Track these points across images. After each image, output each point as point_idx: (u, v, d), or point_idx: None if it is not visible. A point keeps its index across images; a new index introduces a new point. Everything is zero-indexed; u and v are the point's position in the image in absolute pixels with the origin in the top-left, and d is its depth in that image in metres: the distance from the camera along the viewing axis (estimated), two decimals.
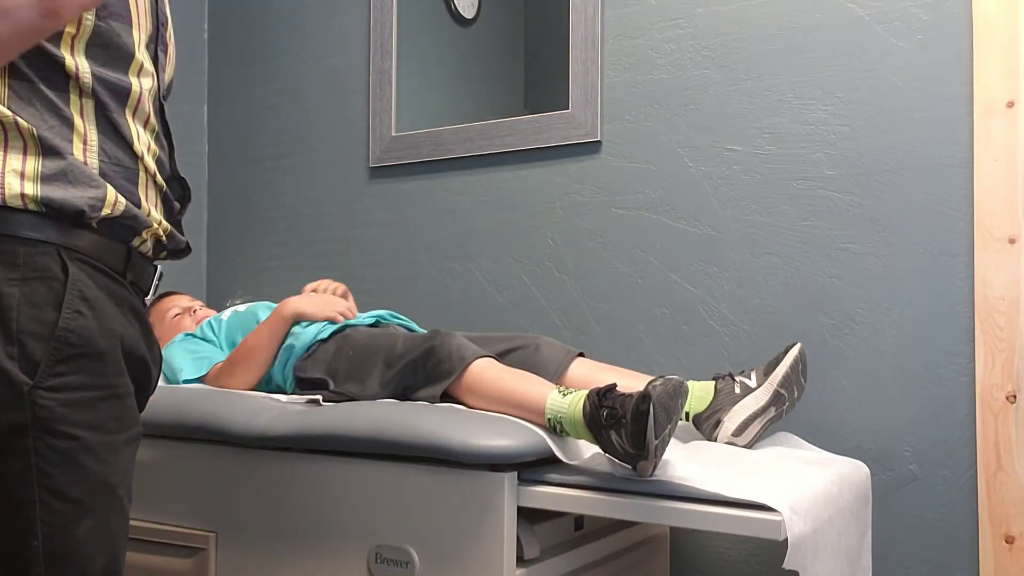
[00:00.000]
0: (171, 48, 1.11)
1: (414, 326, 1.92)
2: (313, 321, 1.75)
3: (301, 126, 2.43)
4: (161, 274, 1.09)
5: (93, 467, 0.91)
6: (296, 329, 1.75)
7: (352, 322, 1.80)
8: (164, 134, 1.08)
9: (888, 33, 1.70)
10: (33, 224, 0.90)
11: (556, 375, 1.62)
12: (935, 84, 1.65)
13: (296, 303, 1.76)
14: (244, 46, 2.53)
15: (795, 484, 1.26)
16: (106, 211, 0.94)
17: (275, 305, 1.85)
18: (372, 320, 1.84)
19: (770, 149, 1.79)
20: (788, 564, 1.14)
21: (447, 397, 1.51)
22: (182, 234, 1.10)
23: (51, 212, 0.91)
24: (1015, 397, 1.56)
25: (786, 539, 1.13)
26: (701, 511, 1.20)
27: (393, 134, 2.25)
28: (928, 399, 1.64)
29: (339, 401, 1.56)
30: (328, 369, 1.63)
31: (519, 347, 1.66)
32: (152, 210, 1.02)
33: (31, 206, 0.90)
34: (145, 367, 1.02)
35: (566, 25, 2.01)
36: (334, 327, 1.74)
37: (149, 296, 1.07)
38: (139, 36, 1.01)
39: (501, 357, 1.59)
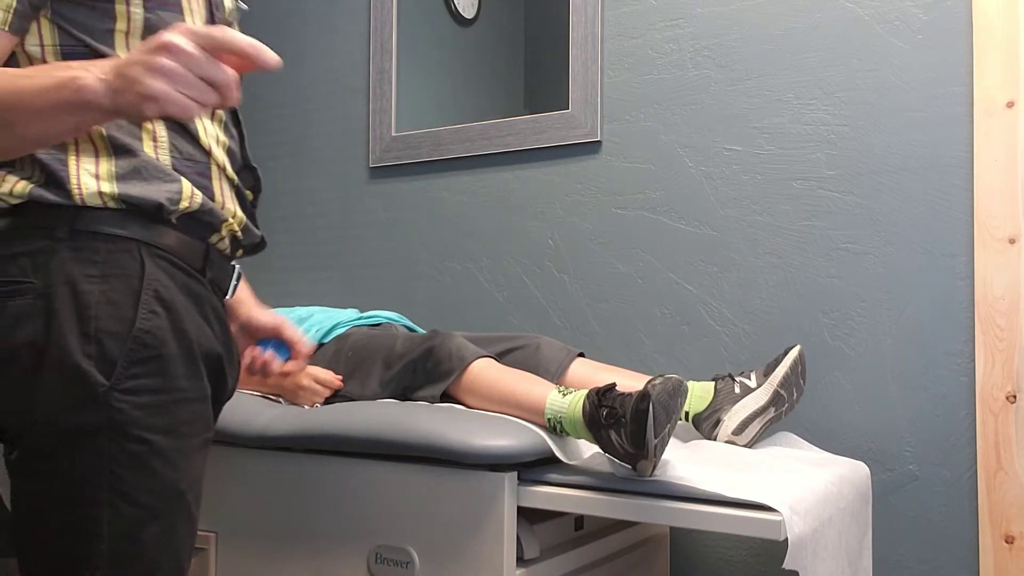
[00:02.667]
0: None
1: (414, 326, 1.92)
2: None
3: (301, 126, 2.43)
4: (240, 274, 1.07)
5: (164, 472, 0.90)
6: None
7: (352, 323, 1.80)
8: (233, 122, 1.06)
9: (888, 33, 1.70)
10: (113, 220, 0.89)
11: (556, 375, 1.62)
12: (935, 84, 1.65)
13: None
14: None
15: (795, 484, 1.26)
16: (184, 204, 0.93)
17: (285, 311, 1.85)
18: (372, 321, 1.84)
19: (770, 149, 1.79)
20: (788, 564, 1.14)
21: (447, 397, 1.51)
22: (257, 227, 1.08)
23: (130, 208, 0.90)
24: (1015, 397, 1.56)
25: (786, 539, 1.13)
26: (701, 511, 1.20)
27: (393, 134, 2.25)
28: (928, 399, 1.64)
29: (339, 401, 1.57)
30: (327, 369, 1.63)
31: (519, 347, 1.66)
32: (227, 203, 1.00)
33: (110, 203, 0.89)
34: (221, 369, 1.00)
35: (566, 25, 2.01)
36: (332, 330, 1.74)
37: (228, 296, 1.05)
38: (191, 23, 0.97)
39: (501, 357, 1.59)
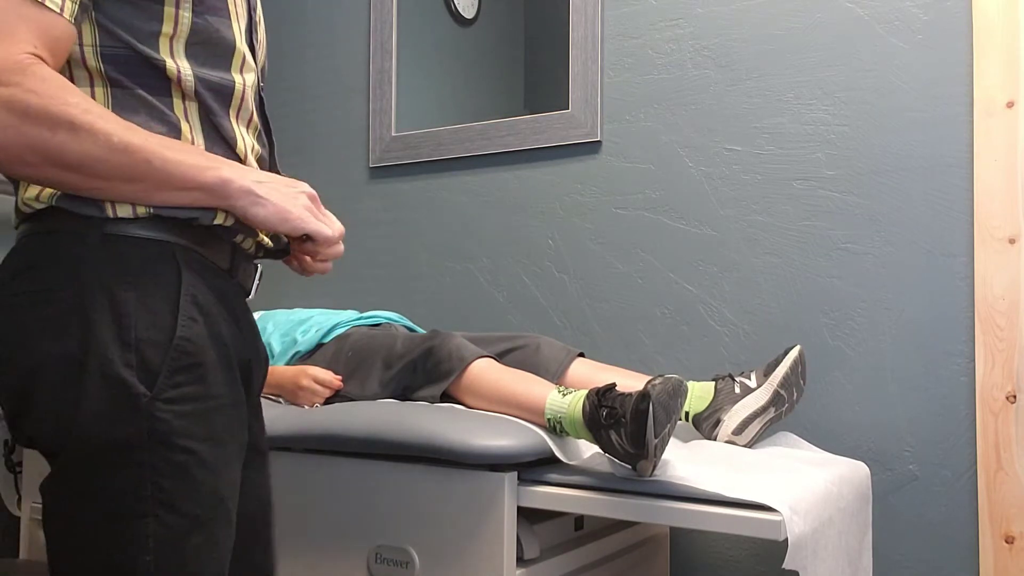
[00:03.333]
0: (262, 34, 1.06)
1: (414, 326, 1.92)
2: None
3: (301, 126, 2.43)
4: (262, 273, 1.06)
5: (207, 480, 0.88)
6: (297, 335, 1.75)
7: (352, 323, 1.80)
8: (265, 131, 1.05)
9: (888, 33, 1.70)
10: (145, 225, 0.87)
11: (556, 375, 1.62)
12: (935, 84, 1.65)
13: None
14: None
15: (795, 484, 1.26)
16: (218, 221, 0.91)
17: (285, 312, 1.85)
18: (372, 321, 1.84)
19: (770, 149, 1.79)
20: (788, 564, 1.14)
21: (447, 397, 1.51)
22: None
23: (162, 217, 0.88)
24: (1015, 397, 1.56)
25: (786, 539, 1.13)
26: (701, 511, 1.20)
27: (393, 134, 2.25)
28: (928, 399, 1.64)
29: (339, 401, 1.57)
30: (327, 369, 1.63)
31: (519, 347, 1.66)
32: None
33: (141, 213, 0.87)
34: (249, 372, 0.98)
35: (566, 25, 2.01)
36: (332, 330, 1.74)
37: (251, 295, 1.04)
38: (238, 28, 0.96)
39: (501, 357, 1.59)
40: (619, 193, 1.95)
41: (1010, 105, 1.58)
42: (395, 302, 2.22)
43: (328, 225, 0.96)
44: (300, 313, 1.87)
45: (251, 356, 0.99)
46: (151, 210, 0.87)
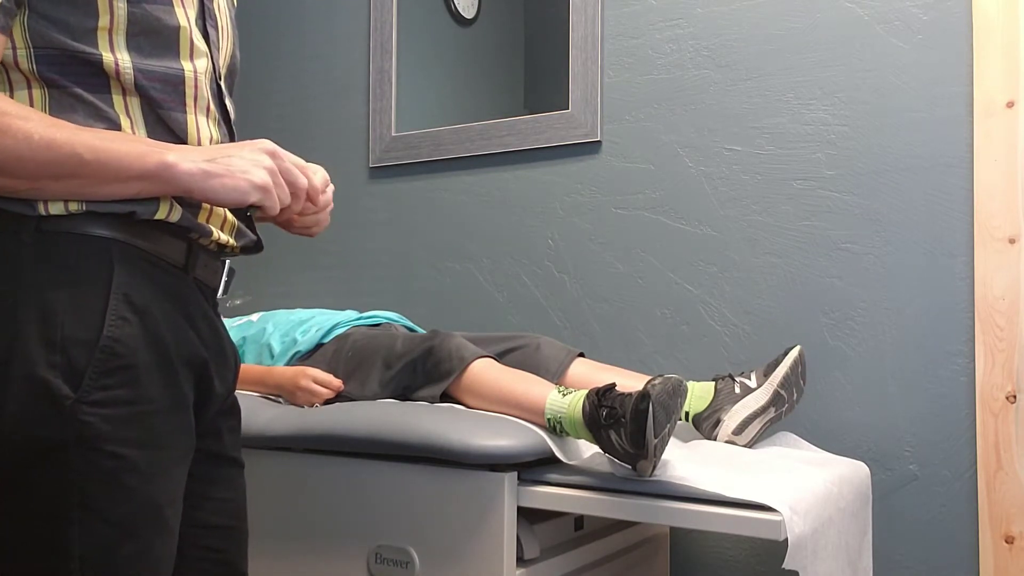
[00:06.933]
0: (223, 21, 1.01)
1: (414, 326, 1.92)
2: None
3: (301, 126, 2.43)
4: (232, 271, 1.02)
5: (139, 487, 0.84)
6: (297, 335, 1.75)
7: (352, 323, 1.80)
8: (224, 120, 1.00)
9: (888, 33, 1.70)
10: (82, 221, 0.84)
11: (556, 375, 1.62)
12: (935, 84, 1.65)
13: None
14: (244, 46, 2.53)
15: (795, 484, 1.26)
16: (160, 216, 0.88)
17: (285, 313, 1.85)
18: (372, 321, 1.84)
19: (770, 149, 1.79)
20: (788, 564, 1.14)
21: (447, 397, 1.51)
22: (252, 229, 1.02)
23: (97, 213, 0.85)
24: (1015, 397, 1.56)
25: (786, 539, 1.13)
26: (701, 511, 1.20)
27: (393, 134, 2.25)
28: (928, 399, 1.64)
29: (339, 401, 1.57)
30: (327, 369, 1.63)
31: (519, 347, 1.66)
32: (214, 209, 0.94)
33: (74, 209, 0.84)
34: (206, 373, 0.94)
35: (566, 25, 2.01)
36: (332, 330, 1.74)
37: (221, 293, 1.00)
38: (183, 13, 0.92)
39: (501, 357, 1.59)
40: (619, 193, 1.95)
41: (1010, 105, 1.58)
42: (395, 302, 2.22)
43: (295, 183, 0.91)
44: (300, 313, 1.87)
45: (209, 356, 0.94)
46: (84, 206, 0.84)
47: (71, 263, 0.83)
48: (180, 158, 0.84)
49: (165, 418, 0.88)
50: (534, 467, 1.34)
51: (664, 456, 1.27)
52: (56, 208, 0.83)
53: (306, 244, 2.38)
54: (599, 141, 1.98)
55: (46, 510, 0.81)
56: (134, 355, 0.85)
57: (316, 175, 0.97)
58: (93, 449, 0.82)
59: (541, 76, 2.11)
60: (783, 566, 1.14)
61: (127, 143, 0.84)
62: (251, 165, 0.87)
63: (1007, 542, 1.55)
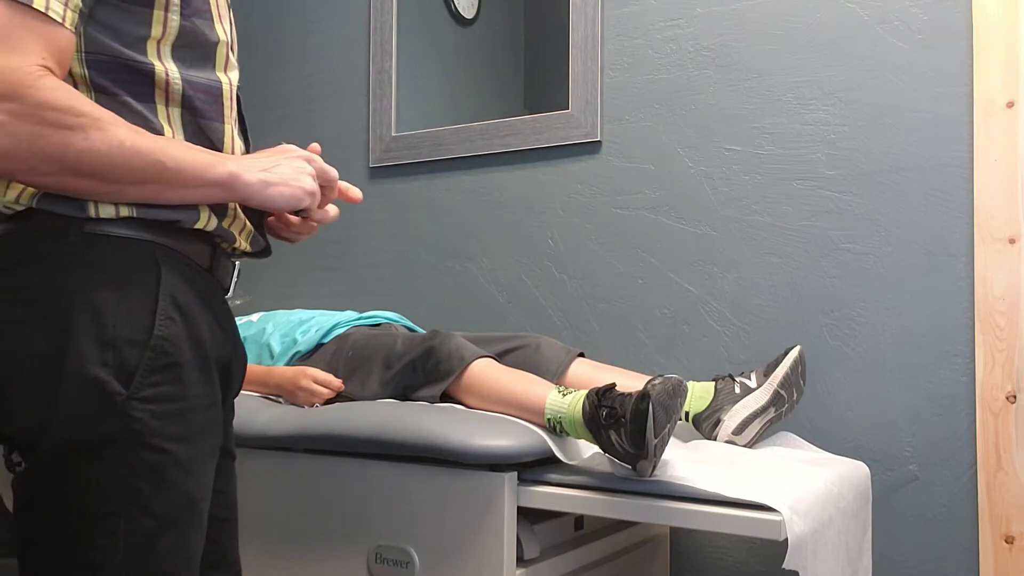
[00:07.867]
0: (233, 33, 1.06)
1: (414, 326, 1.92)
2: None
3: (301, 126, 2.43)
4: (239, 271, 1.06)
5: (180, 481, 0.88)
6: (297, 335, 1.75)
7: (352, 323, 1.80)
8: (242, 130, 1.04)
9: (888, 33, 1.70)
10: (126, 225, 0.87)
11: (556, 375, 1.62)
12: (935, 84, 1.65)
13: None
14: (244, 46, 2.53)
15: (795, 484, 1.26)
16: (199, 225, 0.92)
17: (285, 313, 1.85)
18: (372, 321, 1.84)
19: (770, 149, 1.79)
20: (788, 564, 1.14)
21: (447, 397, 1.51)
22: (264, 236, 1.06)
23: (145, 219, 0.88)
24: (1015, 397, 1.56)
25: (786, 539, 1.13)
26: (701, 511, 1.20)
27: (393, 134, 2.25)
28: (928, 399, 1.64)
29: (339, 401, 1.56)
30: (327, 369, 1.63)
31: (519, 347, 1.66)
32: (238, 215, 0.98)
33: (124, 213, 0.87)
34: (228, 372, 0.98)
35: (566, 25, 2.01)
36: (332, 330, 1.74)
37: (228, 293, 1.04)
38: (221, 28, 0.97)
39: (501, 357, 1.59)
40: (619, 193, 1.95)
41: (1010, 105, 1.58)
42: (395, 302, 2.22)
43: (326, 174, 1.00)
44: (300, 314, 1.87)
45: (231, 357, 0.99)
46: (134, 211, 0.87)
47: (117, 264, 0.87)
48: (241, 168, 0.90)
49: (203, 414, 0.92)
50: (534, 467, 1.34)
51: (664, 456, 1.27)
52: (107, 211, 0.86)
53: (306, 244, 2.38)
54: (599, 141, 1.98)
55: (94, 503, 0.84)
56: (180, 353, 0.88)
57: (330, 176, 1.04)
58: (141, 444, 0.85)
59: (541, 76, 2.11)
60: (783, 566, 1.14)
61: (197, 153, 0.89)
62: (298, 173, 0.95)
63: (1007, 542, 1.55)
